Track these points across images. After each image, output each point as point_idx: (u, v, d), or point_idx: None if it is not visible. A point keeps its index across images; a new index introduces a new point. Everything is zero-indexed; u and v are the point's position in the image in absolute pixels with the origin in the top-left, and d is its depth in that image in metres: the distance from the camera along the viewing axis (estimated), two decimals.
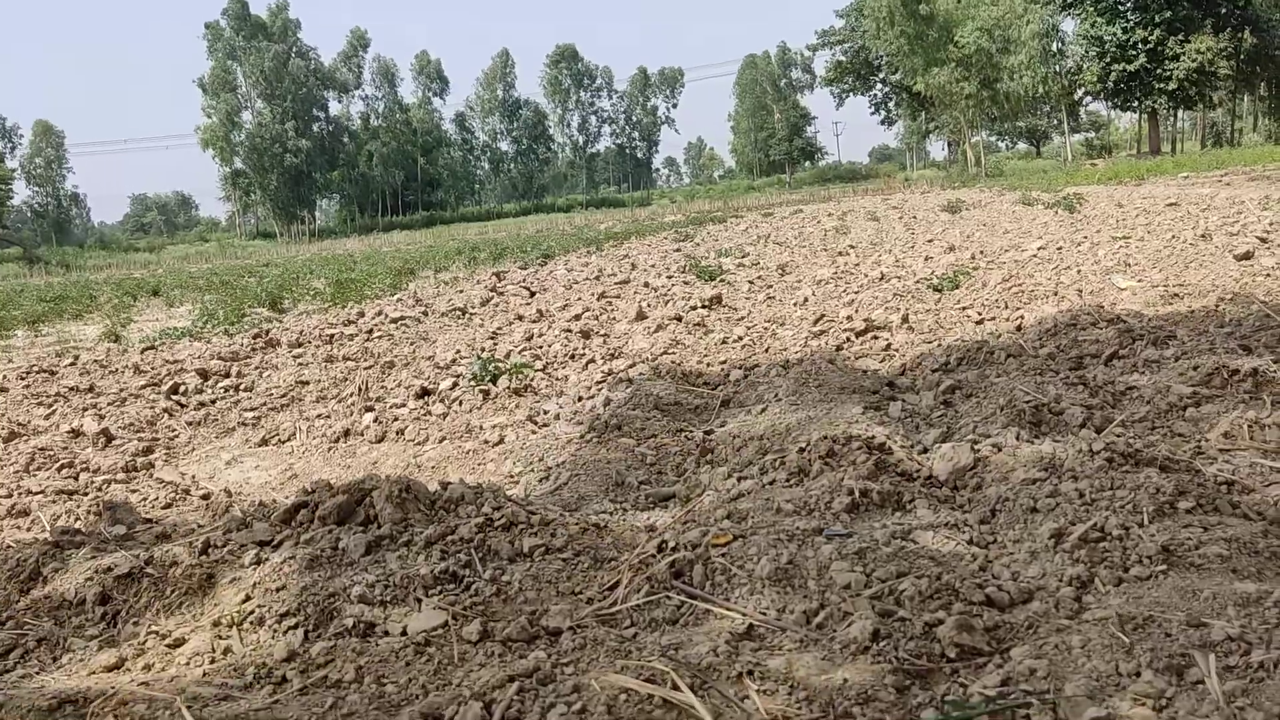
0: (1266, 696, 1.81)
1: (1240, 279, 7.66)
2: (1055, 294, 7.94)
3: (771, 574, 2.64)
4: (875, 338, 7.16)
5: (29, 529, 4.47)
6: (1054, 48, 58.67)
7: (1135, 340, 5.49)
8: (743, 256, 15.85)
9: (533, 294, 12.70)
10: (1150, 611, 2.22)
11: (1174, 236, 11.32)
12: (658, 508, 3.75)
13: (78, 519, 4.43)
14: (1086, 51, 59.32)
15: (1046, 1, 56.60)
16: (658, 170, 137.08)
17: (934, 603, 2.43)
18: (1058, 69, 59.47)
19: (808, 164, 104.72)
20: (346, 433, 5.94)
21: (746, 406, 5.17)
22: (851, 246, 15.91)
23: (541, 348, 7.96)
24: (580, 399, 6.00)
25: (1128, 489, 2.92)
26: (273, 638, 2.58)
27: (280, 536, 3.14)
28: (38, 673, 2.55)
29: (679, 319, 8.86)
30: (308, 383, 7.46)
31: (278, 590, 2.77)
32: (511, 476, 4.74)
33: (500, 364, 6.75)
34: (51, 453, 5.70)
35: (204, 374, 7.77)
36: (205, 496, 4.79)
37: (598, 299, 11.11)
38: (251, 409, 6.86)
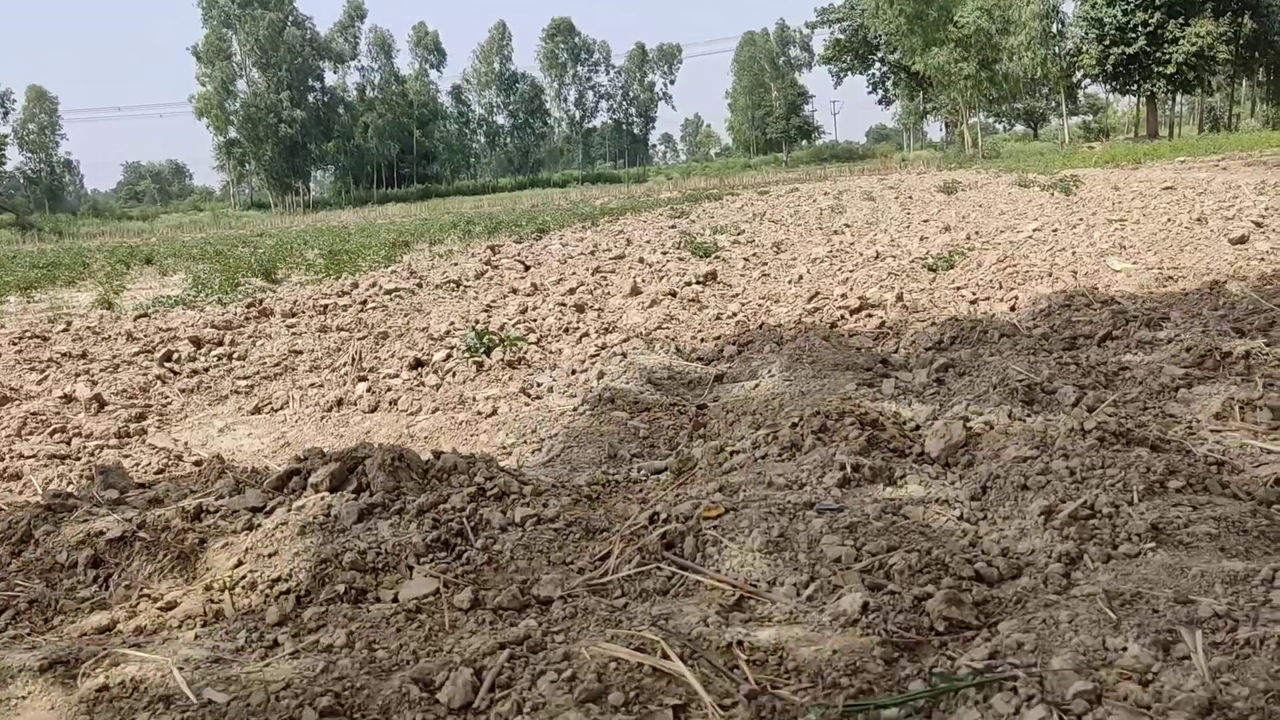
0: (1252, 673, 1.82)
1: (1235, 263, 7.67)
2: (1050, 275, 7.95)
3: (762, 546, 2.65)
4: (869, 315, 7.16)
5: (21, 492, 4.47)
6: (1054, 29, 58.44)
7: (1129, 322, 5.50)
8: (738, 234, 15.82)
9: (527, 268, 12.68)
10: (1138, 588, 2.23)
11: (1169, 220, 11.33)
12: (651, 480, 3.76)
13: (70, 483, 4.43)
14: (1086, 33, 59.14)
15: None
16: (654, 147, 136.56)
17: (923, 577, 2.44)
18: (1057, 51, 59.28)
19: (805, 143, 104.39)
20: (340, 402, 5.94)
21: (740, 382, 5.17)
22: (847, 225, 15.88)
23: (536, 321, 7.95)
24: (574, 372, 6.00)
25: (1118, 468, 2.93)
26: (265, 602, 2.59)
27: (273, 503, 3.14)
28: (29, 634, 2.56)
29: (674, 294, 8.85)
30: (301, 352, 7.45)
31: (270, 556, 2.77)
32: (504, 448, 4.74)
33: (494, 336, 6.75)
34: (44, 417, 5.69)
35: (197, 342, 7.76)
36: (198, 463, 4.79)
37: (592, 274, 11.09)
38: (244, 377, 6.85)
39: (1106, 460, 3.00)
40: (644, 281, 9.95)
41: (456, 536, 2.89)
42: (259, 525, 3.00)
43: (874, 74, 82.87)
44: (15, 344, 8.29)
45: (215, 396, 6.52)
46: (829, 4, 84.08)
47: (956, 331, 5.55)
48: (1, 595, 2.73)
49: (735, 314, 7.75)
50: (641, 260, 12.30)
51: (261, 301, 10.03)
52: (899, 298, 7.55)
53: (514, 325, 7.67)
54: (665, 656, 2.15)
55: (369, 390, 6.02)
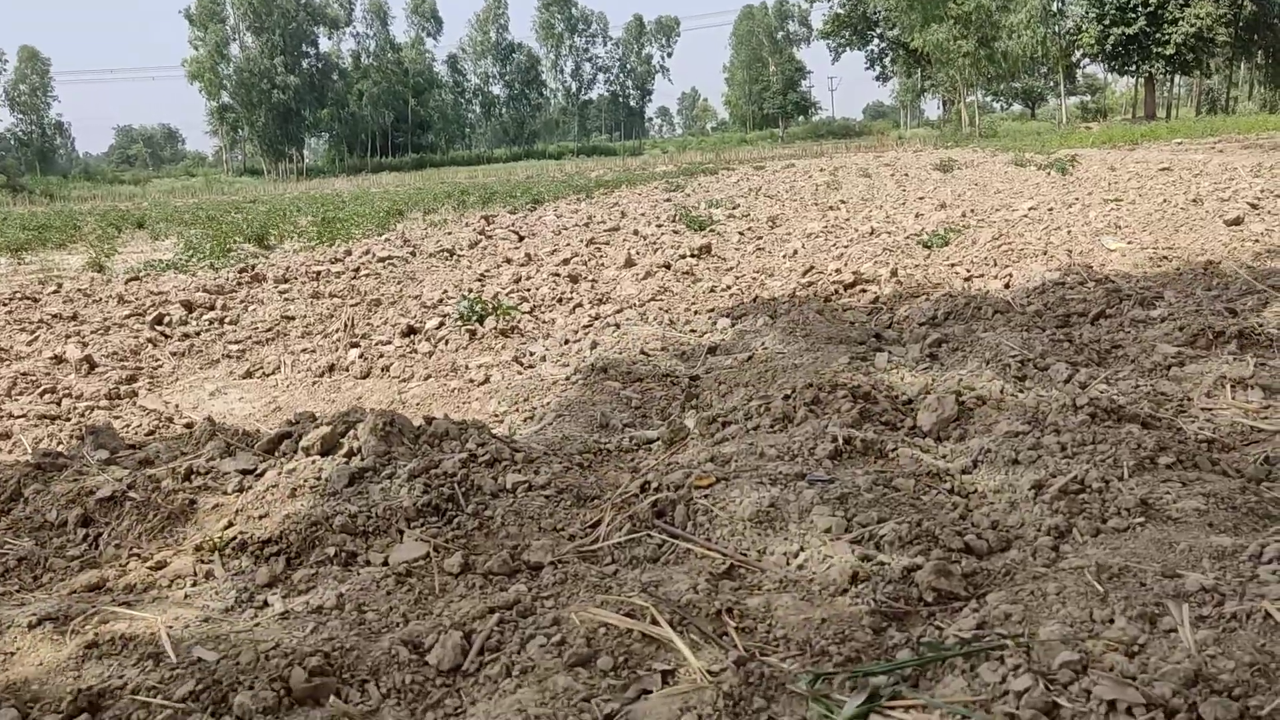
0: (1237, 646, 1.83)
1: (1229, 244, 7.67)
2: (1045, 253, 7.93)
3: (753, 516, 2.66)
4: (863, 290, 7.16)
5: (10, 451, 4.46)
6: (1054, 7, 58.18)
7: (1123, 300, 5.50)
8: (733, 208, 15.78)
9: (521, 238, 12.64)
10: (1126, 562, 2.24)
11: (1165, 200, 11.31)
12: (642, 449, 3.76)
13: (60, 443, 4.42)
14: (1086, 12, 58.89)
15: None
16: (650, 120, 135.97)
17: (913, 548, 2.45)
18: (1057, 29, 59.03)
19: (801, 118, 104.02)
20: (331, 368, 5.92)
21: (733, 354, 5.17)
22: (842, 201, 15.85)
23: (529, 291, 7.93)
24: (567, 341, 5.99)
25: (1109, 443, 2.94)
26: (255, 564, 2.59)
27: (264, 465, 3.14)
28: (18, 591, 2.56)
29: (668, 267, 8.83)
30: (293, 318, 7.43)
31: (260, 518, 2.77)
32: (496, 415, 4.74)
33: (487, 305, 6.73)
34: (34, 378, 5.67)
35: (189, 306, 7.73)
36: (189, 425, 4.77)
37: (586, 245, 11.06)
38: (236, 342, 6.83)
39: (1098, 436, 3.01)
40: (638, 254, 9.92)
41: (447, 502, 2.89)
42: (250, 487, 2.99)
43: (872, 50, 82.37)
44: (5, 305, 8.25)
45: (206, 360, 6.50)
46: None
47: (950, 307, 5.55)
48: None
49: (729, 287, 7.74)
50: (636, 233, 12.27)
51: (254, 267, 9.98)
52: (893, 273, 7.54)
53: (507, 294, 7.64)
54: (655, 622, 2.16)
55: (361, 356, 6.01)
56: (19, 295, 8.72)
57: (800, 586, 2.36)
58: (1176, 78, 67.10)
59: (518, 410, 4.69)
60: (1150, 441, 2.91)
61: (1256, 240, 7.79)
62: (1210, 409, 3.64)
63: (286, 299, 8.15)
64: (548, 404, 4.59)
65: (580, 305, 7.31)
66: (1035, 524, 2.60)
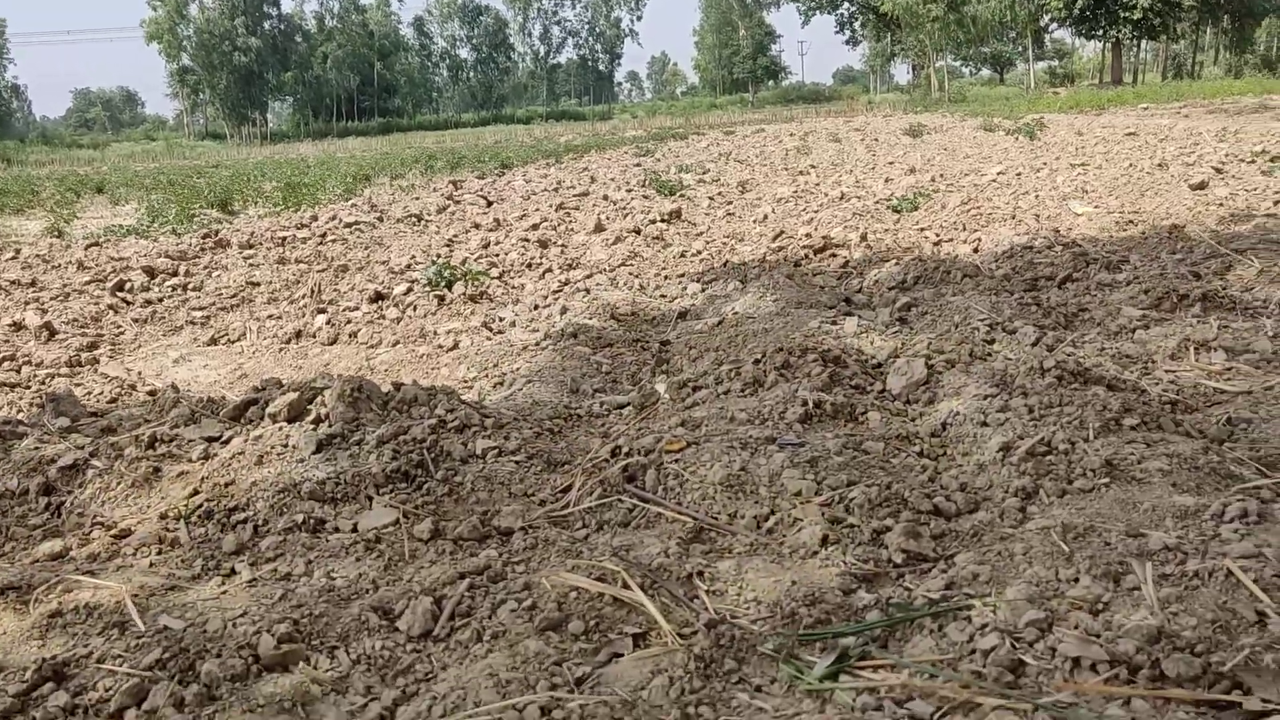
0: (1199, 603, 1.86)
1: (1194, 208, 7.74)
2: (1013, 218, 7.97)
3: (723, 480, 2.66)
4: (833, 255, 7.17)
5: None
6: None
7: (1089, 264, 5.54)
8: (703, 173, 15.73)
9: (490, 203, 12.54)
10: (1091, 522, 2.27)
11: (1131, 165, 11.39)
12: (613, 414, 3.76)
13: (20, 411, 4.35)
14: None
15: None
16: (620, 84, 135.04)
17: (883, 511, 2.47)
18: None
19: (771, 83, 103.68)
20: (298, 334, 5.87)
21: (704, 318, 5.17)
22: (812, 166, 15.84)
23: (498, 256, 7.87)
24: (537, 307, 5.96)
25: (1075, 406, 2.96)
26: (221, 531, 2.56)
27: (229, 433, 3.11)
28: None
29: (638, 232, 8.80)
30: (258, 284, 7.34)
31: (226, 485, 2.74)
32: (465, 381, 4.71)
33: (456, 270, 6.68)
34: None
35: (151, 272, 7.61)
36: (152, 393, 4.71)
37: (556, 210, 10.99)
38: (200, 308, 6.74)
39: (1064, 398, 3.03)
40: (608, 219, 9.87)
41: (417, 468, 2.87)
42: (215, 455, 2.96)
43: (842, 14, 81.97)
44: None
45: (170, 327, 6.41)
46: None
47: (920, 271, 5.57)
48: None
49: (700, 252, 7.72)
50: (606, 198, 12.20)
51: (217, 233, 9.84)
52: (863, 238, 7.55)
53: (476, 260, 7.59)
54: (626, 586, 2.16)
55: (328, 323, 5.95)
56: None
57: (771, 549, 2.37)
58: (1143, 43, 67.39)
59: (487, 376, 4.67)
60: (1115, 403, 2.94)
61: (1221, 204, 7.86)
62: (1174, 371, 3.68)
63: (251, 265, 8.05)
64: (517, 369, 4.57)
65: (550, 270, 7.28)
66: (1003, 485, 2.62)
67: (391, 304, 6.38)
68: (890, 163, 15.30)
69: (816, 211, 9.57)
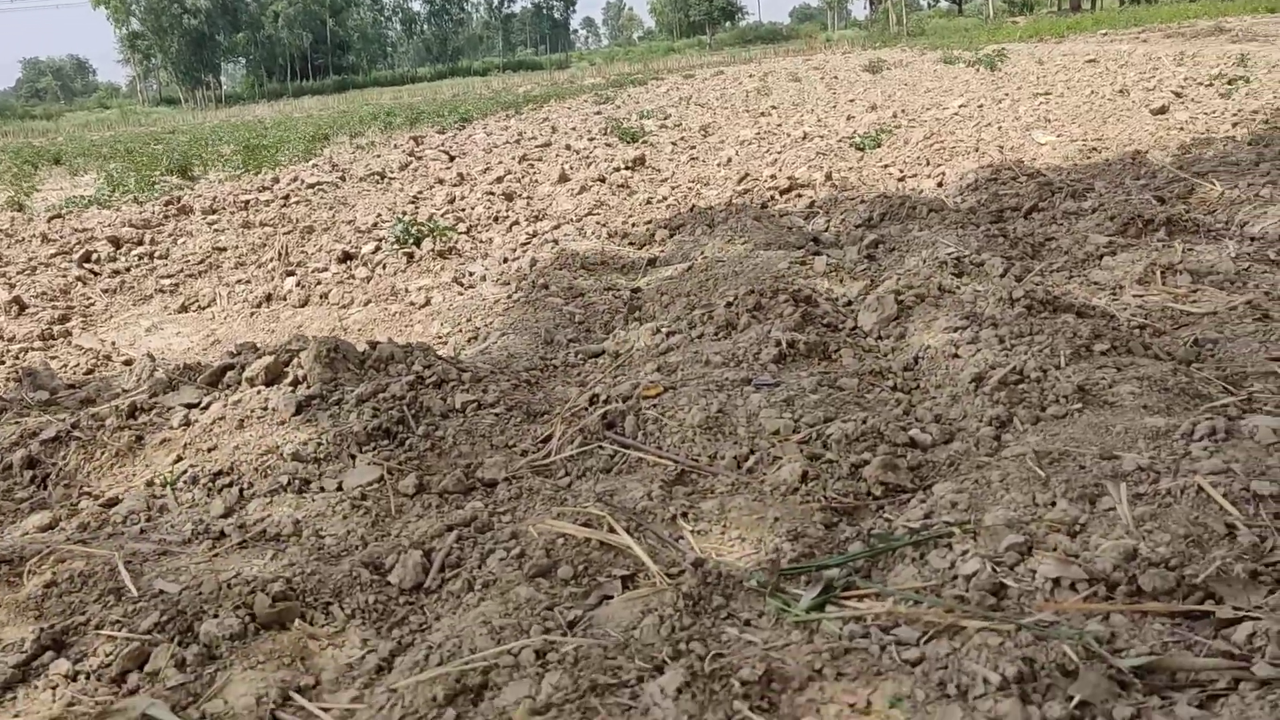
0: (1173, 520, 1.91)
1: (1156, 133, 7.79)
2: (976, 150, 8.00)
3: (702, 422, 2.70)
4: (799, 195, 7.17)
5: None
6: None
7: (1054, 193, 5.58)
8: (665, 118, 15.62)
9: (452, 158, 12.41)
10: (1065, 447, 2.32)
11: (1093, 92, 11.42)
12: (589, 363, 3.77)
13: None
14: None
15: None
16: (576, 32, 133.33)
17: (860, 445, 2.51)
18: None
19: (728, 24, 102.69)
20: (269, 297, 5.82)
21: (673, 264, 5.17)
22: (774, 107, 15.76)
23: (464, 210, 7.82)
24: (506, 260, 5.94)
25: (1046, 334, 3.01)
26: (208, 496, 2.57)
27: (208, 399, 3.10)
28: None
29: (602, 180, 8.75)
30: (225, 249, 7.26)
31: (209, 450, 2.75)
32: (440, 337, 4.71)
33: (423, 227, 6.63)
34: None
35: (116, 242, 7.50)
36: (128, 362, 4.68)
37: (519, 162, 10.90)
38: (169, 276, 6.67)
39: (1034, 327, 3.08)
40: (572, 169, 9.81)
41: (398, 424, 2.88)
42: (196, 421, 2.96)
43: None
44: None
45: (139, 296, 6.34)
46: None
47: (886, 208, 5.59)
48: None
49: (665, 198, 7.70)
50: (568, 147, 12.11)
51: (180, 199, 9.69)
52: (828, 177, 7.55)
53: (442, 215, 7.53)
54: (612, 530, 2.20)
55: (298, 285, 5.91)
56: None
57: (752, 488, 2.41)
58: None
59: (461, 331, 4.66)
60: (1085, 330, 2.99)
61: (1181, 128, 7.92)
62: (1141, 295, 3.73)
63: (216, 230, 7.95)
64: (491, 323, 4.57)
65: (517, 223, 7.24)
66: (977, 415, 2.67)
67: (361, 263, 6.34)
68: (851, 100, 15.25)
69: (780, 152, 9.55)
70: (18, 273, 6.84)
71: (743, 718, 1.51)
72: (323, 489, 2.57)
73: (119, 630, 1.86)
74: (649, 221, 6.72)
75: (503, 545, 2.19)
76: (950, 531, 2.06)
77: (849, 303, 3.91)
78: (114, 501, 2.58)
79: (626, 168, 9.49)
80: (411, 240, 6.42)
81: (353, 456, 2.71)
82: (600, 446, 2.75)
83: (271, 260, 6.76)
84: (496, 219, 7.45)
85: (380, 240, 6.75)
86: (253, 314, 5.66)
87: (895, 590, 1.89)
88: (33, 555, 2.11)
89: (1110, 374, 2.72)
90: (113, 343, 5.24)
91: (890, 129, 9.95)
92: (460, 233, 6.90)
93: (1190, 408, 2.53)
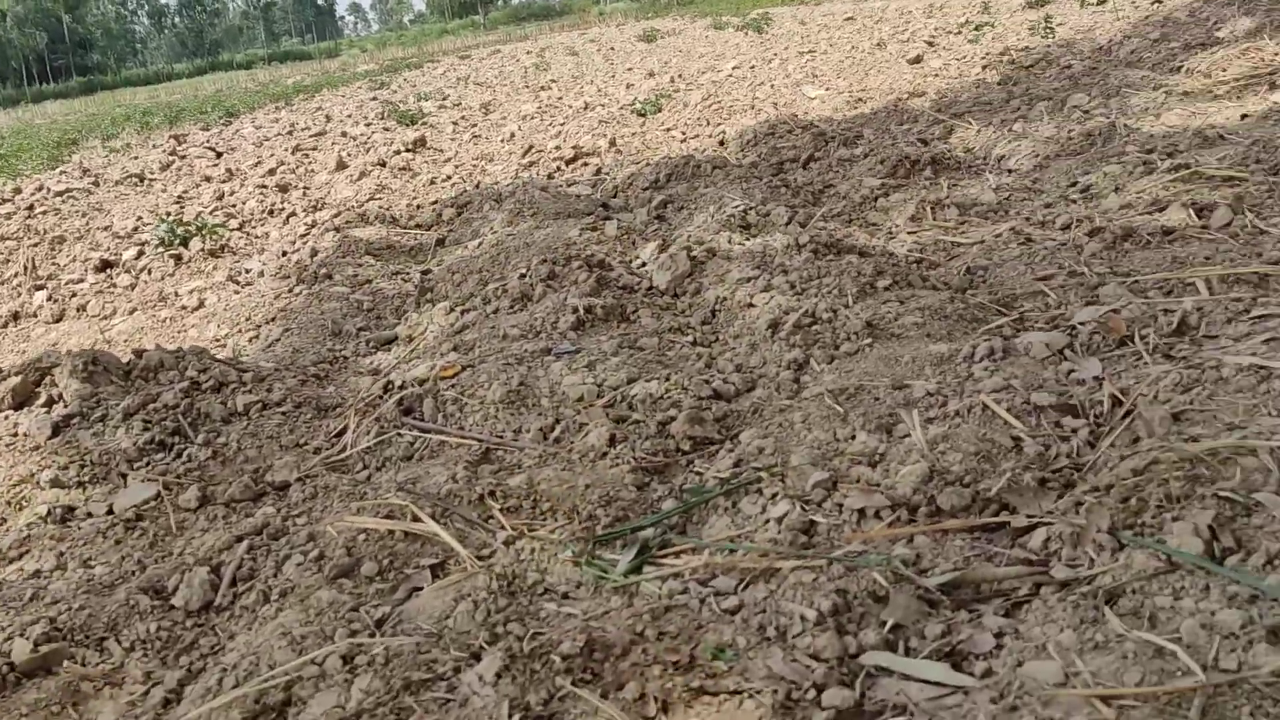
0: (963, 439, 1.96)
1: (914, 81, 8.16)
2: (753, 108, 8.16)
3: (503, 398, 2.60)
4: (585, 164, 7.13)
5: None
6: None
7: (828, 143, 5.74)
8: (444, 99, 15.27)
9: (220, 154, 11.72)
10: (860, 382, 2.35)
11: (854, 48, 11.88)
12: (381, 351, 3.61)
13: None
14: None
15: None
16: (343, 18, 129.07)
17: (665, 402, 2.48)
18: None
19: (501, 3, 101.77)
20: (15, 315, 5.32)
21: (463, 243, 5.03)
22: (553, 81, 15.67)
23: (235, 207, 7.38)
24: (285, 253, 5.63)
25: (833, 275, 3.06)
26: None
27: None
28: None
29: (383, 164, 8.45)
30: None
31: None
32: (218, 340, 4.41)
33: (190, 227, 6.21)
34: None
35: None
36: None
37: (293, 153, 10.40)
38: None
39: (822, 270, 3.13)
40: (350, 155, 9.44)
41: (173, 435, 2.66)
42: None
43: None
44: None
45: None
46: None
47: (671, 170, 5.61)
48: None
49: (450, 177, 7.51)
50: (345, 134, 11.64)
51: None
52: (612, 144, 7.54)
53: (211, 213, 7.08)
54: (416, 519, 2.08)
55: (50, 299, 5.42)
56: None
57: (560, 458, 2.34)
58: None
59: (240, 331, 4.38)
60: (869, 268, 3.06)
61: (936, 75, 8.33)
62: (916, 232, 3.87)
63: None
64: (273, 319, 4.32)
65: (294, 215, 6.89)
66: (776, 360, 2.68)
67: (122, 270, 5.88)
68: (629, 69, 15.34)
69: (563, 124, 9.48)
70: None
71: (566, 693, 1.44)
72: (90, 514, 2.33)
73: None
74: (435, 202, 6.52)
75: (299, 549, 2.04)
76: (759, 477, 2.05)
77: (643, 264, 3.89)
78: None
79: (407, 150, 9.20)
80: (178, 241, 6.00)
81: (123, 475, 2.47)
82: (399, 434, 2.61)
83: (16, 275, 6.18)
84: (272, 212, 7.07)
85: (143, 244, 6.29)
86: None
87: (711, 542, 1.86)
88: None
89: (895, 308, 2.79)
90: None
91: (669, 94, 10.04)
92: (232, 229, 6.50)
93: (969, 332, 2.62)
